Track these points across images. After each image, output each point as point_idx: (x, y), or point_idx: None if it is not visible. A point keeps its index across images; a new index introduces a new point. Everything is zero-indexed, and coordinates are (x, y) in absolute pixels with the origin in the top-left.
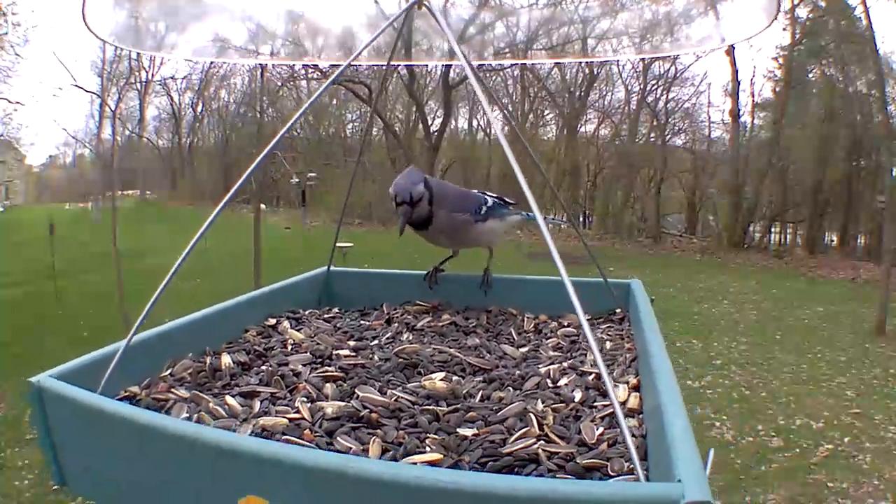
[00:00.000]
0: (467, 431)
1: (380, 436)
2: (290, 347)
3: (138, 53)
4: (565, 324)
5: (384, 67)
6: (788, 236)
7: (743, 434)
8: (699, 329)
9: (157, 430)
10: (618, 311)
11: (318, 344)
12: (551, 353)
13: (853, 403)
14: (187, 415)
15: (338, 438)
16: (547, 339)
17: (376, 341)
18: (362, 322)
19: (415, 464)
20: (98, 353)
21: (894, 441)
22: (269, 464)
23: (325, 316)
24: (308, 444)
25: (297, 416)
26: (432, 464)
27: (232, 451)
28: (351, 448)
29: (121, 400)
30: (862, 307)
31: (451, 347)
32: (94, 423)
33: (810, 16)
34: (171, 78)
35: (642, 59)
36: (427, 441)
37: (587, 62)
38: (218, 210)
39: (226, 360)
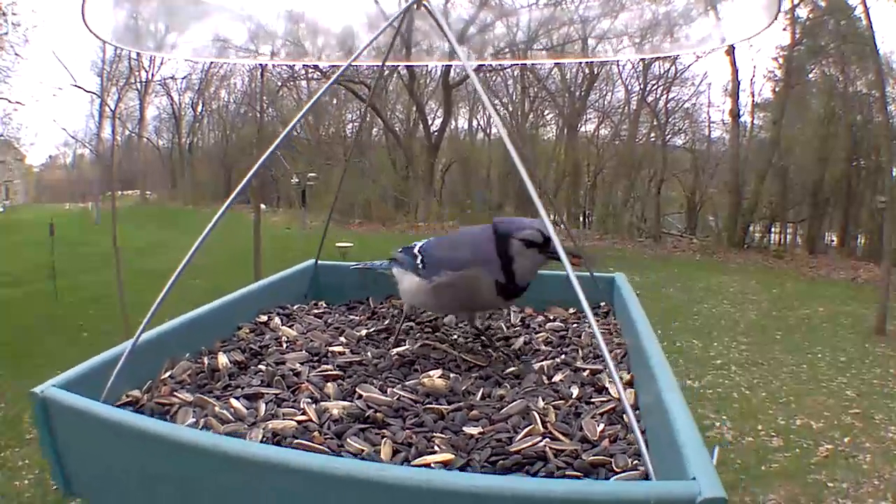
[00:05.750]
0: (473, 430)
1: (389, 436)
2: (284, 345)
3: (138, 53)
4: (551, 318)
5: (381, 68)
6: (788, 236)
7: (743, 434)
8: (699, 329)
9: (171, 441)
10: (602, 304)
11: (312, 341)
12: (543, 348)
13: (853, 403)
14: (193, 419)
15: (348, 440)
16: (536, 333)
17: (366, 334)
18: (351, 317)
19: (429, 465)
20: (99, 359)
21: (894, 441)
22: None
23: (315, 311)
24: (319, 447)
25: (304, 417)
26: (445, 464)
27: (255, 461)
28: (363, 450)
29: (123, 405)
30: (862, 307)
31: (442, 343)
32: (100, 432)
33: (810, 16)
34: (171, 78)
35: (642, 60)
36: (435, 440)
37: (587, 62)
38: (219, 215)
39: (223, 359)
